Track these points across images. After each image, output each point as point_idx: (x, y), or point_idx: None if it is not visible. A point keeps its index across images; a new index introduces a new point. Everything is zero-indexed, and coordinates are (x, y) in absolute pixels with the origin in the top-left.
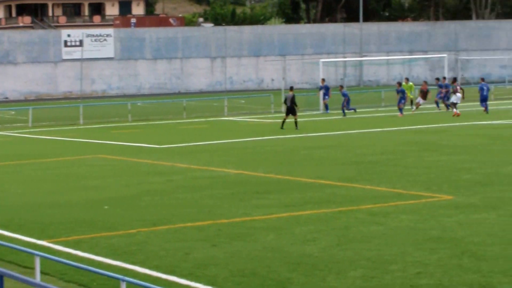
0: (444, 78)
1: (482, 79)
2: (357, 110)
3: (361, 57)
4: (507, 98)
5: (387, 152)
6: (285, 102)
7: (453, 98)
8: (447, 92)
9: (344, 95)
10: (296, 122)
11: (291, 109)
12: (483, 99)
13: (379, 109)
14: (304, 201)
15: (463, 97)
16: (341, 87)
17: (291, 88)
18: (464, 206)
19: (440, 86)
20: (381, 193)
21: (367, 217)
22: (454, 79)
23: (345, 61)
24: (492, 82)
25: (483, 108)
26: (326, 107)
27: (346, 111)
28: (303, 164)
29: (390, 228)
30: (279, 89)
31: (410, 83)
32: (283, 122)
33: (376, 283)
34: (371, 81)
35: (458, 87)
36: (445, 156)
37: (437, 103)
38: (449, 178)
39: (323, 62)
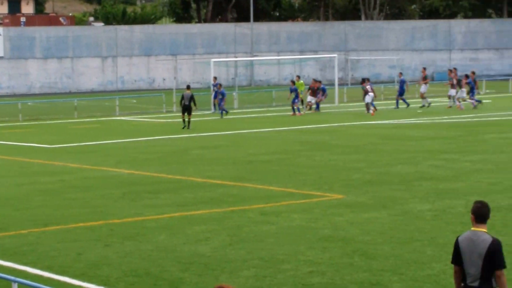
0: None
1: (367, 79)
2: (248, 110)
3: (252, 57)
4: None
5: (279, 152)
6: (181, 100)
7: (367, 98)
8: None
9: (223, 94)
10: (189, 122)
11: (188, 108)
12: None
13: (270, 108)
14: (196, 200)
15: (375, 96)
16: (220, 85)
17: (188, 87)
18: (355, 205)
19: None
20: (273, 193)
21: (259, 216)
22: (363, 80)
23: (236, 61)
24: (382, 82)
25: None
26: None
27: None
28: (195, 163)
29: (282, 228)
30: (171, 89)
31: (301, 81)
32: (183, 121)
33: (269, 282)
34: (262, 81)
35: (368, 87)
36: (336, 156)
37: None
38: (340, 178)
39: (214, 62)
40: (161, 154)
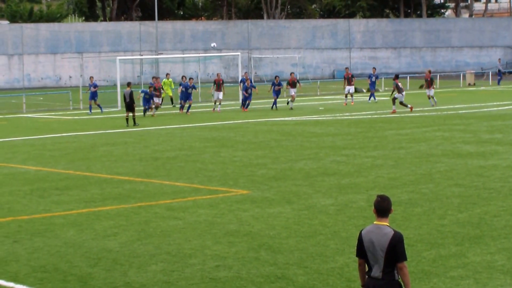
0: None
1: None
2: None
3: (157, 55)
4: (298, 96)
5: (184, 148)
6: (124, 99)
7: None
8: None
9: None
10: (133, 118)
11: (129, 105)
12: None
13: (177, 106)
14: (104, 197)
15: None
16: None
17: (129, 84)
18: (260, 200)
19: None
20: (179, 188)
21: (166, 212)
22: (396, 76)
23: (141, 59)
24: (284, 80)
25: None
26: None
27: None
28: (102, 160)
29: (189, 223)
30: (77, 86)
31: (170, 79)
32: (127, 119)
33: (177, 277)
34: None
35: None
36: (240, 152)
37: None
38: (245, 173)
39: (120, 59)
40: (69, 150)
